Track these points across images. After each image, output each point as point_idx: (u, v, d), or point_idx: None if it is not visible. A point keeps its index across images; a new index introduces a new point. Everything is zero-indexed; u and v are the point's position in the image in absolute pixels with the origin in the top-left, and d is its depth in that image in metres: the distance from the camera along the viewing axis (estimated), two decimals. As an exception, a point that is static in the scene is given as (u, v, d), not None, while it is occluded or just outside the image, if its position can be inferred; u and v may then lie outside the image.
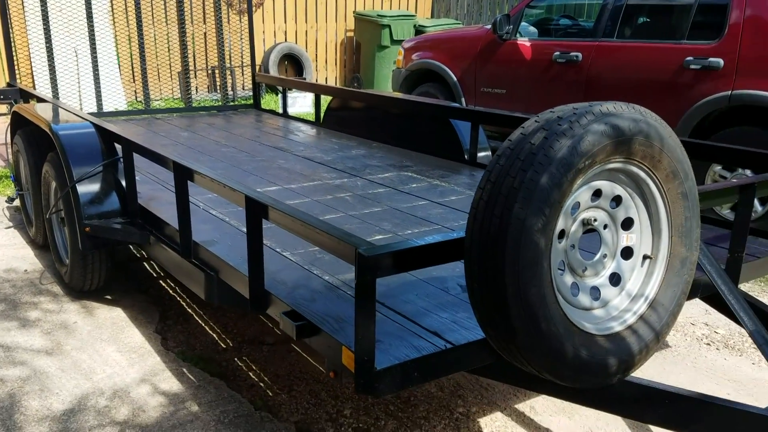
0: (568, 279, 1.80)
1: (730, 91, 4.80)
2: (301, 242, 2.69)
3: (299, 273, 2.43)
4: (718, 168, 4.91)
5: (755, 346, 2.46)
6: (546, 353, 1.67)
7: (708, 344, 3.58)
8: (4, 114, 5.68)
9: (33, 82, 8.50)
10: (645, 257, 1.86)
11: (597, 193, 1.79)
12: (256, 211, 2.15)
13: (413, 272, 2.43)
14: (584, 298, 1.81)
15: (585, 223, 1.80)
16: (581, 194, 1.75)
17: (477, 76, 6.59)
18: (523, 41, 6.21)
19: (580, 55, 5.69)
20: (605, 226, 1.84)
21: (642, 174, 1.77)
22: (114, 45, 8.72)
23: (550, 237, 1.63)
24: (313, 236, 1.88)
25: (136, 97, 9.72)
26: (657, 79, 5.20)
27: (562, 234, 1.75)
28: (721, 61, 4.83)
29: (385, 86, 10.44)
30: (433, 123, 4.63)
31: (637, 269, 1.86)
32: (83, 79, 8.03)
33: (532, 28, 6.58)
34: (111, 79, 8.29)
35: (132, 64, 9.74)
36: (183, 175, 2.59)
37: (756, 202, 4.84)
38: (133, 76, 9.78)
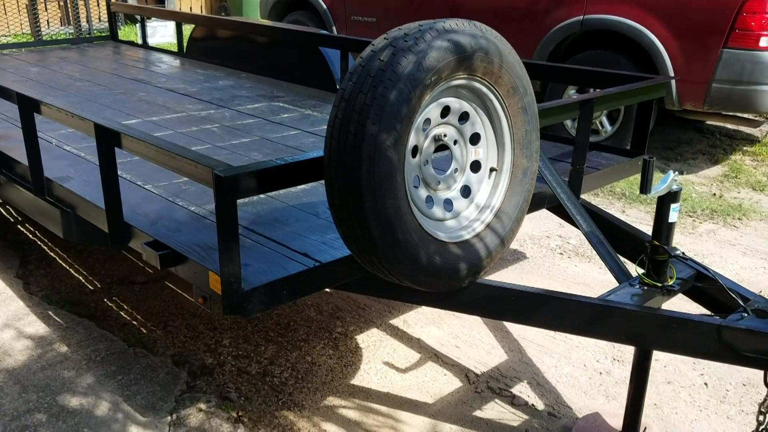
0: (423, 193, 1.90)
1: (582, 16, 5.07)
2: (164, 174, 2.62)
3: (162, 205, 2.38)
4: (572, 92, 5.23)
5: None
6: (404, 262, 1.77)
7: (561, 254, 3.90)
8: None
9: None
10: (491, 170, 1.99)
11: (446, 110, 1.87)
12: (107, 140, 2.07)
13: (283, 199, 2.46)
14: (438, 210, 1.92)
15: (436, 139, 1.89)
16: (431, 111, 1.83)
17: (347, 4, 6.51)
18: (391, -32, 6.18)
19: (445, -18, 5.76)
20: (455, 142, 1.94)
21: (485, 90, 1.87)
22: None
23: (402, 152, 1.71)
24: (168, 162, 1.85)
25: (-24, 31, 8.80)
26: (517, 6, 5.39)
27: (416, 151, 1.83)
28: (574, -12, 5.08)
29: (254, 15, 10.07)
30: (303, 52, 4.57)
31: (485, 181, 1.99)
32: None
33: (399, -45, 6.54)
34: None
35: (-33, -7, 8.76)
36: (28, 107, 2.43)
37: (606, 121, 5.23)
38: (-29, 7, 8.81)
